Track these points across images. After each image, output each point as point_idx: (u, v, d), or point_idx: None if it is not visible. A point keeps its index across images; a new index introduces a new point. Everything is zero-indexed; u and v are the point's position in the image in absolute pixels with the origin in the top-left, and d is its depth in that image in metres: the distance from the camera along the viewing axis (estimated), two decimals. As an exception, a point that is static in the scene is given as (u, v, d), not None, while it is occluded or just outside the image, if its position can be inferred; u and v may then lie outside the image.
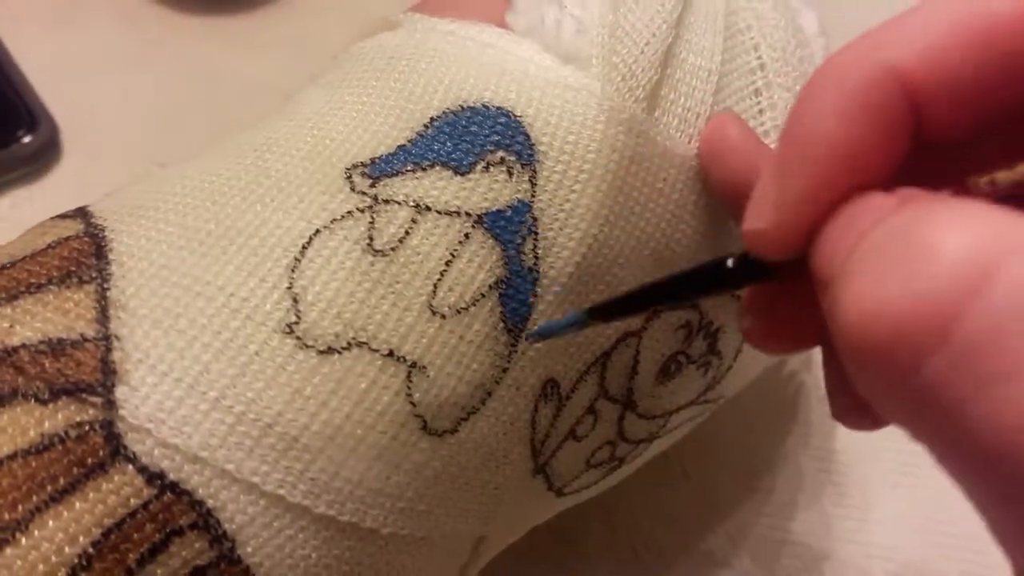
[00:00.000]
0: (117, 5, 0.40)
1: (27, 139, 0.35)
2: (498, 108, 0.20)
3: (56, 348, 0.17)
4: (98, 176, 0.36)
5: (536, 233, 0.20)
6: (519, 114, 0.20)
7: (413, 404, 0.19)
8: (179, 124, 0.38)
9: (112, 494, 0.16)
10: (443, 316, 0.19)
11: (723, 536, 0.29)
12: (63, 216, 0.20)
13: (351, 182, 0.19)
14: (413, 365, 0.19)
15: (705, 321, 0.23)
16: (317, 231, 0.19)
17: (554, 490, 0.23)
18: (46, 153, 0.36)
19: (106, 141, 0.37)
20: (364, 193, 0.19)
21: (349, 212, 0.19)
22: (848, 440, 0.32)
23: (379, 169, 0.20)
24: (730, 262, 0.17)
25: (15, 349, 0.17)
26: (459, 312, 0.19)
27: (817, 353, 0.33)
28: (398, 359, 0.18)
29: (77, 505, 0.16)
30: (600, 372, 0.22)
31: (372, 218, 0.19)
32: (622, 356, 0.22)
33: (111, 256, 0.18)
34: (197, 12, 0.40)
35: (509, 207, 0.20)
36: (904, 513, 0.30)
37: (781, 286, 0.18)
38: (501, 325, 0.20)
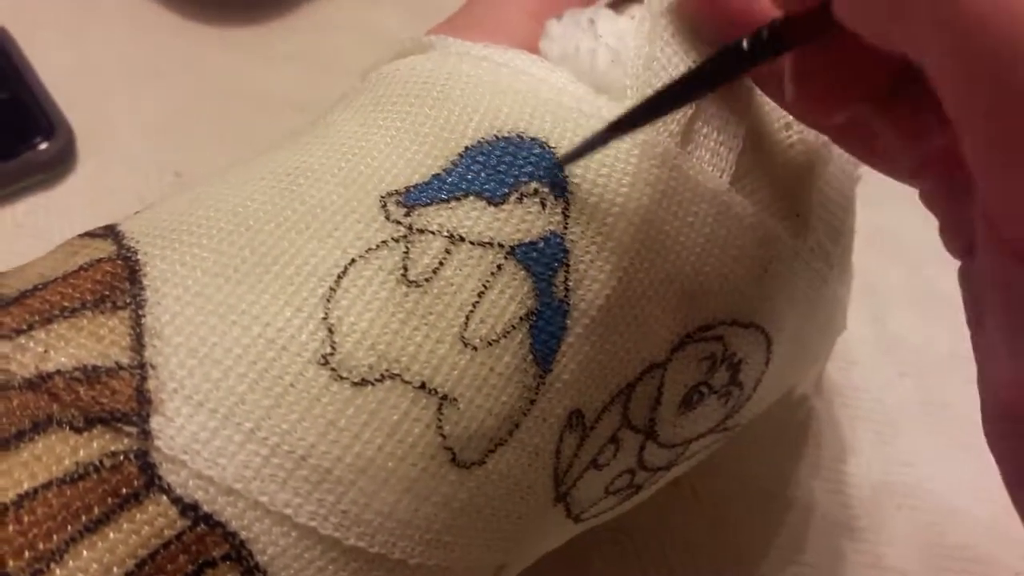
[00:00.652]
0: (134, 16, 0.40)
1: (44, 146, 0.35)
2: (532, 139, 0.20)
3: (91, 375, 0.17)
4: (113, 183, 0.35)
5: (567, 265, 0.20)
6: (553, 145, 0.20)
7: (443, 436, 0.18)
8: (193, 133, 0.37)
9: (146, 525, 0.16)
10: (474, 348, 0.19)
11: (733, 558, 0.29)
12: (92, 235, 0.20)
13: (386, 211, 0.19)
14: (444, 397, 0.18)
15: (728, 352, 0.23)
16: (352, 260, 0.19)
17: (572, 517, 0.23)
18: (62, 160, 0.35)
19: (121, 149, 0.36)
20: (399, 222, 0.19)
21: (384, 242, 0.19)
22: (857, 463, 0.32)
23: (413, 198, 0.19)
24: (745, 43, 0.17)
25: (50, 375, 0.17)
26: (490, 344, 0.19)
27: (826, 379, 0.33)
28: (430, 391, 0.18)
29: (111, 535, 0.16)
30: (624, 403, 0.21)
31: (407, 248, 0.19)
32: (647, 387, 0.22)
33: (145, 281, 0.18)
34: (212, 23, 0.40)
35: (541, 239, 0.20)
36: (912, 536, 0.30)
37: (815, 53, 0.17)
38: (530, 357, 0.19)
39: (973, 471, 0.32)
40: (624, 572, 0.29)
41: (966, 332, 0.38)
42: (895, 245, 0.38)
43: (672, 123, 0.20)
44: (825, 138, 0.23)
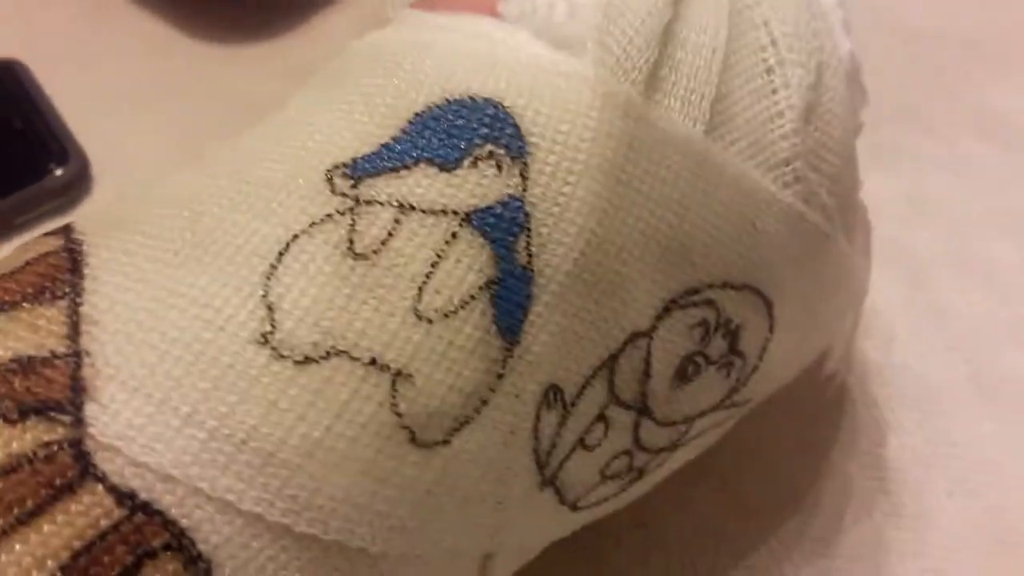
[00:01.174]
0: (145, 37, 0.40)
1: (58, 172, 0.35)
2: (486, 99, 0.19)
3: (26, 366, 0.16)
4: (126, 204, 0.36)
5: (529, 229, 0.18)
6: (508, 105, 0.19)
7: (399, 415, 0.17)
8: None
9: (81, 516, 0.15)
10: (429, 321, 0.18)
11: (765, 551, 0.27)
12: (49, 233, 0.20)
13: (331, 184, 0.18)
14: (398, 373, 0.17)
15: (723, 319, 0.21)
16: (295, 236, 0.18)
17: (567, 504, 0.21)
18: (77, 186, 0.36)
19: (136, 173, 0.36)
20: (345, 195, 0.18)
21: (329, 215, 0.18)
22: (899, 446, 0.29)
23: (361, 169, 0.18)
24: None
25: (-14, 369, 0.16)
26: (447, 316, 0.18)
27: (859, 353, 0.31)
28: (381, 367, 0.17)
29: (45, 528, 0.15)
30: (608, 376, 0.20)
31: (353, 220, 0.18)
32: (631, 359, 0.20)
33: (86, 271, 0.18)
34: (221, 41, 0.40)
35: (499, 203, 0.18)
36: (963, 524, 0.28)
37: None
38: (494, 328, 0.18)
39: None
40: (646, 565, 0.27)
41: (1017, 298, 0.35)
42: (929, 209, 0.35)
43: (634, 71, 0.19)
44: (812, 79, 0.21)
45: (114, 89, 0.39)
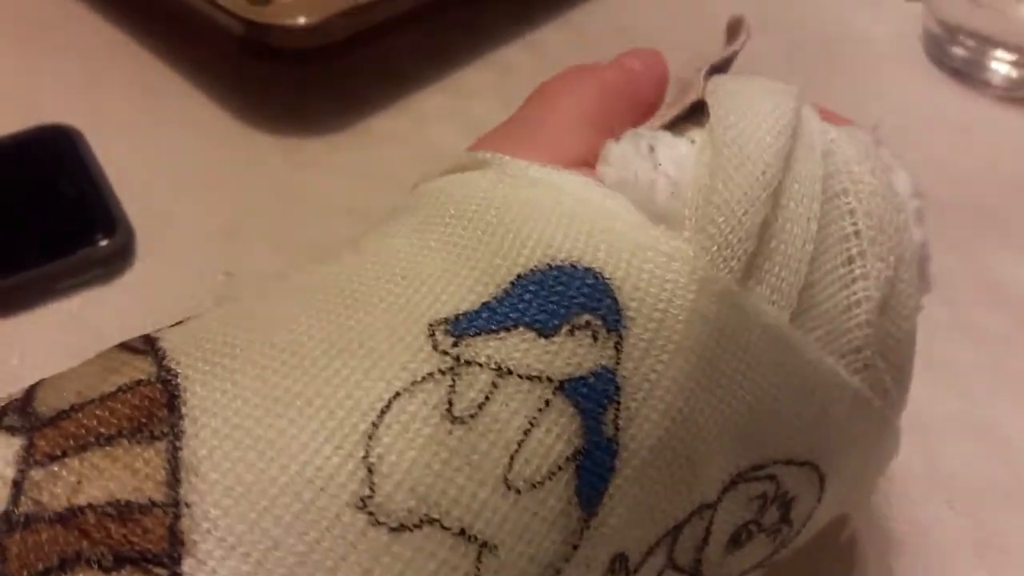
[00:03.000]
0: (202, 119, 0.40)
1: (104, 243, 0.35)
2: (586, 268, 0.19)
3: (123, 511, 0.15)
4: (167, 282, 0.35)
5: (618, 402, 0.18)
6: (608, 276, 0.19)
7: None
8: (248, 236, 0.37)
9: None
10: (518, 491, 0.17)
11: None
12: (133, 349, 0.19)
13: (434, 340, 0.18)
14: (484, 545, 0.17)
15: (780, 491, 0.21)
16: (397, 394, 0.17)
17: (615, 659, 0.21)
18: (120, 257, 0.35)
19: (178, 249, 0.36)
20: (446, 353, 0.18)
21: (430, 374, 0.17)
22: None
23: (462, 327, 0.18)
24: None
25: (81, 509, 0.16)
26: (534, 486, 0.17)
27: (872, 504, 0.31)
28: (469, 538, 0.17)
29: None
30: (670, 544, 0.20)
31: (453, 381, 0.17)
32: (695, 528, 0.20)
33: (184, 410, 0.17)
34: (275, 132, 0.40)
35: (592, 374, 0.18)
36: None
37: None
38: (575, 500, 0.18)
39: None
40: None
41: (1021, 463, 0.35)
42: (945, 374, 0.35)
43: (732, 260, 0.19)
44: (890, 273, 0.21)
45: (166, 166, 0.38)
